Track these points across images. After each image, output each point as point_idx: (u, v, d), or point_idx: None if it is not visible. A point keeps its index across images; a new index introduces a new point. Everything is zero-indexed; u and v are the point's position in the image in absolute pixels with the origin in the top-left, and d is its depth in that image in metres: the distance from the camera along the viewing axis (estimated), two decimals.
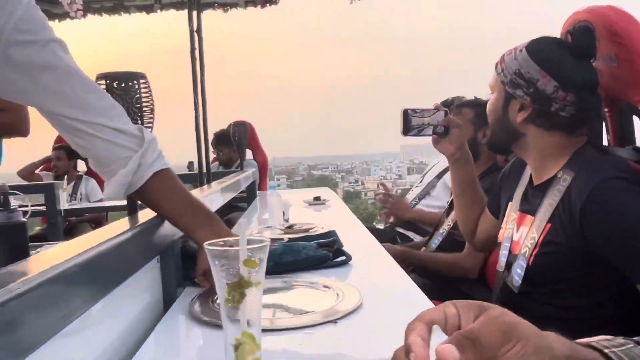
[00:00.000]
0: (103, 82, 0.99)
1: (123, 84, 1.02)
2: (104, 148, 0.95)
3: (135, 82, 1.04)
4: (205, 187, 2.20)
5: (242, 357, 0.62)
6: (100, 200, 4.29)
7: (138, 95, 1.04)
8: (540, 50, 1.20)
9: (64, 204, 3.32)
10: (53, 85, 0.90)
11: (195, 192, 1.85)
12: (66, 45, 0.92)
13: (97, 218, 4.17)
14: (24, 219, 0.96)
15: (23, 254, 0.91)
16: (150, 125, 1.07)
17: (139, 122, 1.05)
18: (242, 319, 0.62)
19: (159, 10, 4.72)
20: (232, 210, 3.13)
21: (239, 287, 0.62)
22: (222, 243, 0.64)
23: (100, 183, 4.55)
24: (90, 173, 4.51)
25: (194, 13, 2.38)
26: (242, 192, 2.86)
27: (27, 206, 0.99)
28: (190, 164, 4.06)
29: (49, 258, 0.68)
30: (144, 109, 1.04)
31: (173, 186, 1.04)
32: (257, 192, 3.40)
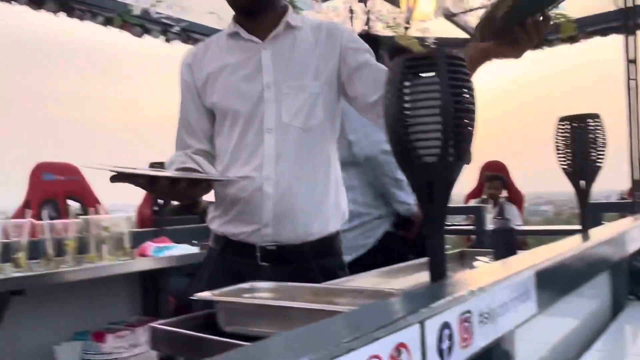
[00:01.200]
0: (566, 123, 1.22)
1: (581, 124, 1.22)
2: None
3: (590, 121, 1.23)
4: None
5: None
6: (519, 225, 4.59)
7: (592, 135, 1.22)
8: None
9: (488, 224, 3.74)
10: (370, 76, 1.30)
11: (626, 222, 1.90)
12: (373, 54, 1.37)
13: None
14: (513, 226, 1.30)
15: (513, 250, 1.22)
16: (601, 160, 1.23)
17: (593, 157, 1.22)
18: None
19: (582, 40, 4.74)
20: None
21: None
22: None
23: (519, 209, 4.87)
24: (510, 199, 4.88)
25: (630, 41, 2.40)
26: None
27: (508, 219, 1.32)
28: (621, 193, 3.93)
29: (532, 257, 0.93)
30: (599, 147, 1.21)
31: None
32: None
